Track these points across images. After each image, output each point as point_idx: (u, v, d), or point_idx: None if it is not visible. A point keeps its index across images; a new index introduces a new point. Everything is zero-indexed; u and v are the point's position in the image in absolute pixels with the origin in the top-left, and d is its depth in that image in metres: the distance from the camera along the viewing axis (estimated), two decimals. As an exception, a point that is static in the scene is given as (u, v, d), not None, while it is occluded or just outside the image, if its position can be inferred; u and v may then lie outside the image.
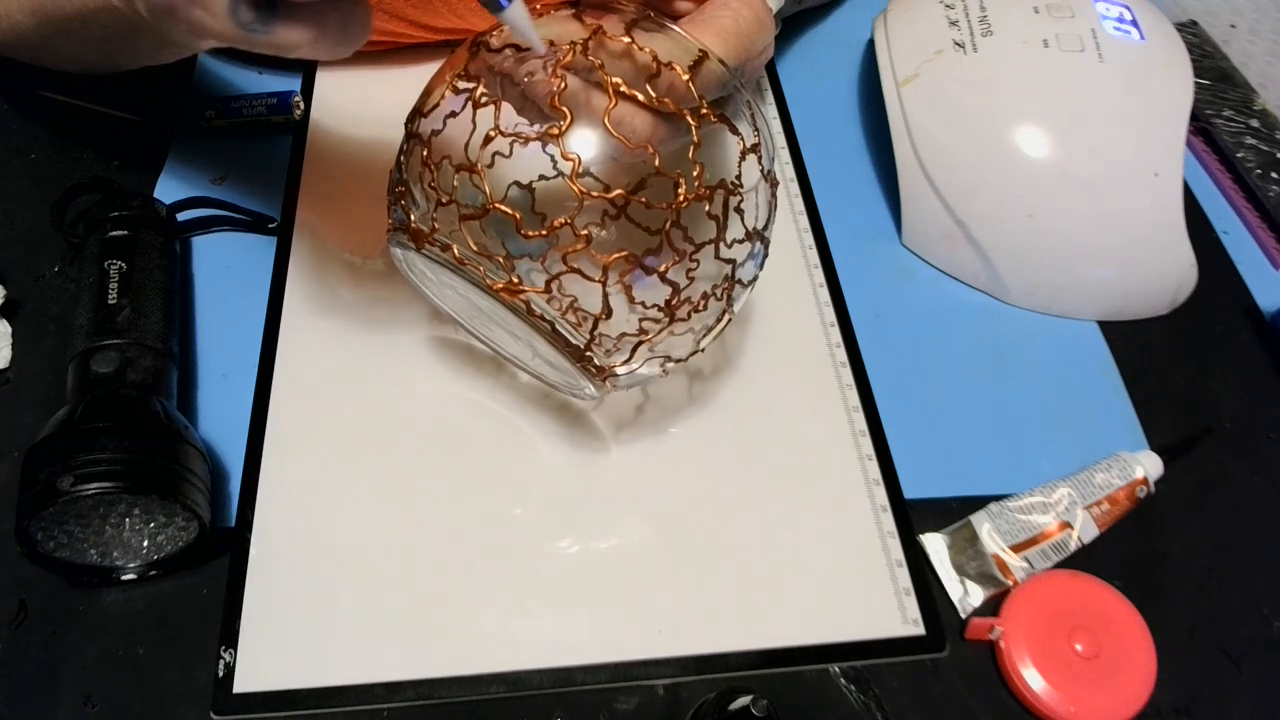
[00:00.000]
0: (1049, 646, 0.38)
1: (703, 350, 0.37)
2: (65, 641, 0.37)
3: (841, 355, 0.47)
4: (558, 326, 0.33)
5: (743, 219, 0.34)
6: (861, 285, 0.49)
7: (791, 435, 0.44)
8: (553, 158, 0.31)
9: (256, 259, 0.48)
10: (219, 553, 0.39)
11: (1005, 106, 0.48)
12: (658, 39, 0.33)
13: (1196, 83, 0.49)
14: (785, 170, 0.54)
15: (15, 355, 0.44)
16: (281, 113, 0.52)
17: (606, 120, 0.31)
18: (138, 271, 0.42)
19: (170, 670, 0.36)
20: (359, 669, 0.36)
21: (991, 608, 0.40)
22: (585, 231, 0.31)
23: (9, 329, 0.44)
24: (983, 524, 0.41)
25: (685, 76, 0.32)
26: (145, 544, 0.37)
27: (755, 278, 0.37)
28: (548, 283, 0.32)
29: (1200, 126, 0.60)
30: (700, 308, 0.34)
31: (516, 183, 0.32)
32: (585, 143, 0.31)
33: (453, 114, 0.33)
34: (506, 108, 0.33)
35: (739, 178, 0.34)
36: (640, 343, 0.34)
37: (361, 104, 0.54)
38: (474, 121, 0.32)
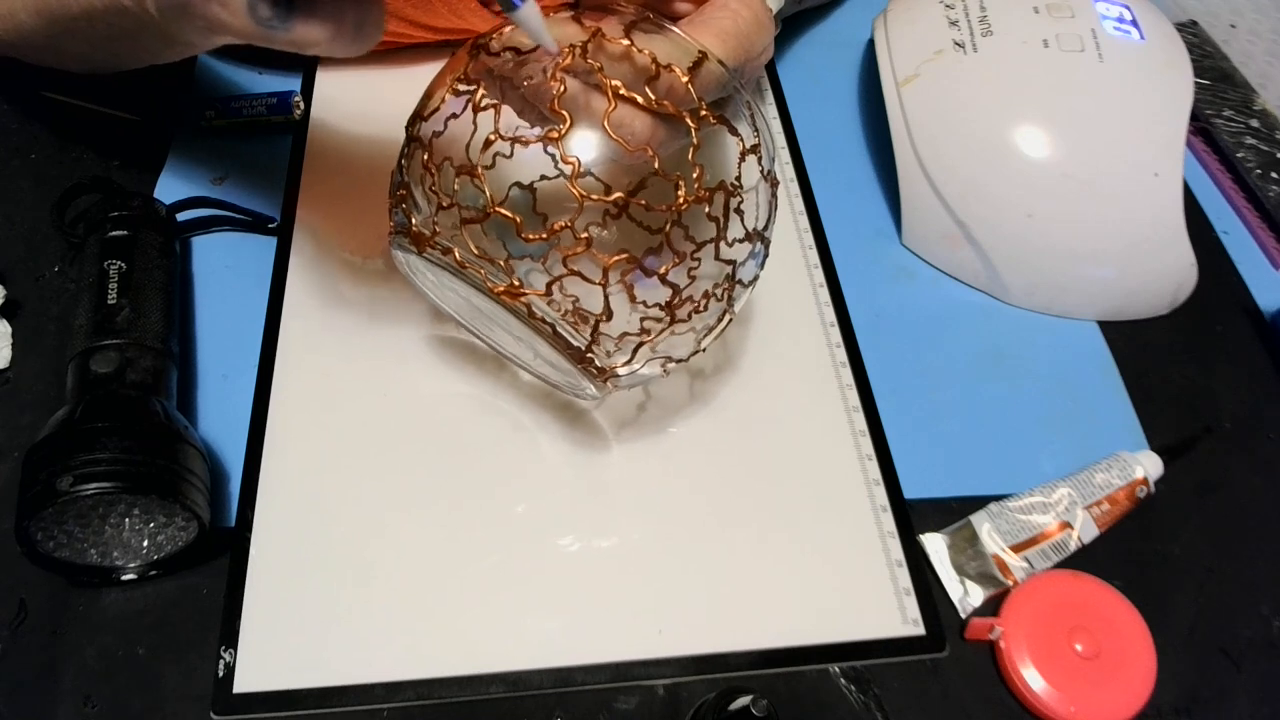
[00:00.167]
0: (1049, 646, 0.38)
1: (704, 350, 0.37)
2: (65, 641, 0.37)
3: (841, 355, 0.47)
4: (559, 329, 0.33)
5: (743, 219, 0.34)
6: (861, 285, 0.50)
7: (792, 435, 0.44)
8: (554, 157, 0.31)
9: (256, 259, 0.48)
10: (219, 553, 0.39)
11: (1005, 106, 0.48)
12: (657, 40, 0.33)
13: (1196, 83, 0.49)
14: (785, 170, 0.54)
15: (15, 355, 0.44)
16: (281, 113, 0.52)
17: (606, 123, 0.31)
18: (137, 271, 0.42)
19: (170, 670, 0.36)
20: (359, 669, 0.36)
21: (991, 608, 0.40)
22: (586, 234, 0.31)
23: (9, 329, 0.44)
24: (983, 524, 0.41)
25: (685, 78, 0.32)
26: (145, 544, 0.37)
27: (756, 278, 0.37)
28: (549, 285, 0.32)
29: (1200, 126, 0.60)
30: (701, 308, 0.34)
31: (518, 183, 0.32)
32: (585, 145, 0.31)
33: (453, 116, 0.33)
34: (507, 110, 0.33)
35: (739, 178, 0.34)
36: (642, 343, 0.34)
37: (362, 104, 0.54)
38: (474, 124, 0.32)
